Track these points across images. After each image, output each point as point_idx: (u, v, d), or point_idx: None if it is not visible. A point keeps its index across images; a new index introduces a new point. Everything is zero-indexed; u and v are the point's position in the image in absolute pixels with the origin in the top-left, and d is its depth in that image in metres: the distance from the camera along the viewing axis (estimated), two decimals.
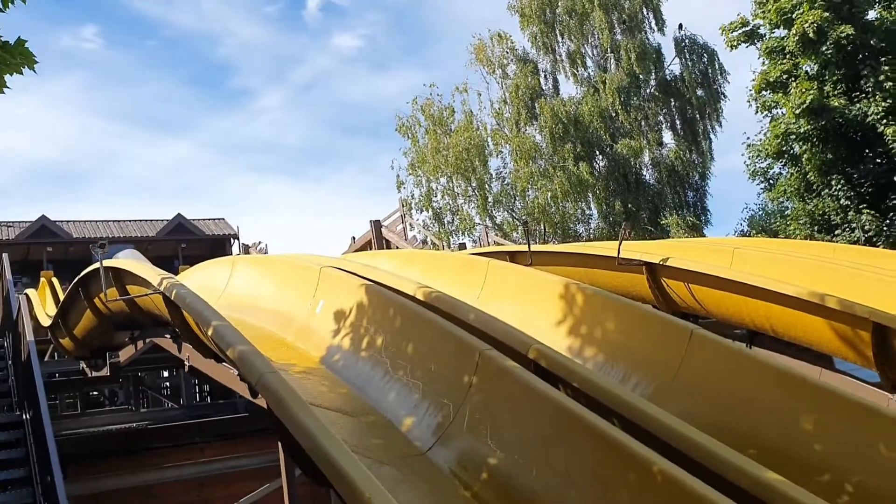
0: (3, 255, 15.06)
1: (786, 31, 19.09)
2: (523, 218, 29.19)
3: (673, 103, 31.05)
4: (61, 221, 29.48)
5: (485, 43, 32.56)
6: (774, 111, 20.00)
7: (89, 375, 12.86)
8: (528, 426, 4.32)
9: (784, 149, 19.29)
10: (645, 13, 31.47)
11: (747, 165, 20.83)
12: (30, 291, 15.92)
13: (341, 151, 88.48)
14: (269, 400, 4.13)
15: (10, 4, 4.33)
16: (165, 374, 19.36)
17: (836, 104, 17.84)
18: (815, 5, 18.01)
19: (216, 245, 30.72)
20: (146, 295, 7.28)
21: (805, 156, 18.58)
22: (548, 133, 29.64)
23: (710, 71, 31.00)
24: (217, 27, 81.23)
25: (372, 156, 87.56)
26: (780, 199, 20.85)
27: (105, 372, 11.90)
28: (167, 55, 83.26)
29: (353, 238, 24.57)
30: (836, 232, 18.18)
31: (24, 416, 9.33)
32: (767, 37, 20.13)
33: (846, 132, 18.15)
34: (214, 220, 32.81)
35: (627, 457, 3.80)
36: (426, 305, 6.00)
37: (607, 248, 9.74)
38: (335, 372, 5.73)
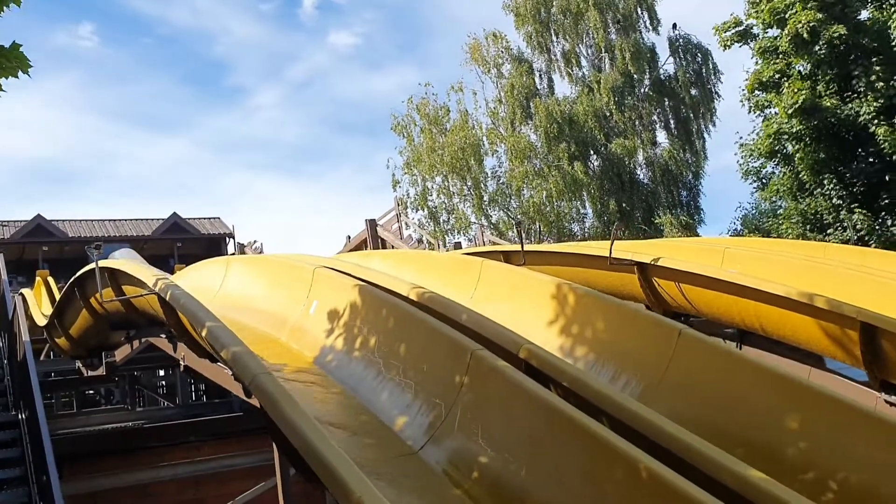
0: None
1: (779, 30, 19.15)
2: (517, 218, 29.30)
3: (667, 103, 31.17)
4: (57, 221, 29.51)
5: (480, 42, 32.65)
6: (767, 111, 20.08)
7: (85, 375, 12.90)
8: (518, 425, 4.39)
9: (777, 148, 19.37)
10: (639, 13, 31.57)
11: (740, 165, 20.94)
12: (25, 291, 15.93)
13: (337, 149, 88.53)
14: (263, 401, 4.19)
15: (4, 8, 4.38)
16: (161, 373, 19.37)
17: (829, 104, 17.91)
18: (809, 5, 18.08)
19: (212, 244, 30.77)
20: (142, 296, 7.33)
21: (797, 155, 18.66)
22: (542, 132, 29.74)
23: (703, 70, 31.13)
24: (213, 25, 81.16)
25: (368, 154, 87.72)
26: (773, 199, 20.96)
27: (101, 371, 11.95)
28: (163, 53, 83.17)
29: (349, 237, 24.61)
30: (829, 231, 18.27)
31: (20, 416, 9.36)
32: (760, 36, 20.20)
33: (838, 132, 18.24)
34: (210, 219, 32.86)
35: (615, 455, 3.87)
36: (419, 306, 6.06)
37: (600, 247, 9.82)
38: (328, 372, 5.79)
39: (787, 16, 18.53)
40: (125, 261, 9.67)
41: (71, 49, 75.98)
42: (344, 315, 6.11)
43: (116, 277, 8.58)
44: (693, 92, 30.71)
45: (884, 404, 6.57)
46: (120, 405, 18.29)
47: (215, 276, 8.62)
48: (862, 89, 17.72)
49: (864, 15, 18.87)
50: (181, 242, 30.24)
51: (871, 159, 18.01)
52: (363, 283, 6.38)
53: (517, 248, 10.65)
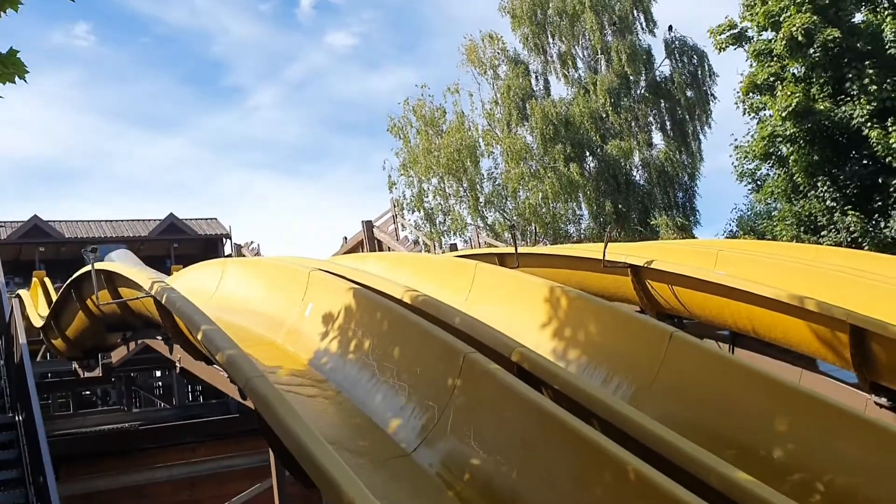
0: None
1: (773, 33, 19.25)
2: (512, 220, 29.37)
3: (663, 104, 31.26)
4: (53, 221, 29.50)
5: (476, 44, 32.72)
6: (762, 113, 20.19)
7: (82, 376, 12.93)
8: (510, 428, 4.43)
9: (771, 150, 19.49)
10: (635, 15, 31.64)
11: (735, 167, 21.04)
12: (22, 292, 15.95)
13: (335, 149, 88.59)
14: (257, 403, 4.24)
15: (1, 14, 4.42)
16: (158, 374, 19.42)
17: (822, 107, 18.02)
18: (803, 9, 18.19)
19: (208, 245, 30.77)
20: (138, 298, 7.37)
21: (792, 157, 18.77)
22: (538, 134, 29.80)
23: (699, 72, 31.23)
24: (211, 25, 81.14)
25: (366, 154, 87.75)
26: (768, 200, 21.06)
27: (97, 372, 11.99)
28: (160, 53, 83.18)
29: (345, 238, 24.68)
30: (822, 233, 18.38)
31: (16, 417, 9.39)
32: (755, 39, 20.31)
33: (832, 134, 18.34)
34: (207, 219, 32.86)
35: (604, 458, 3.93)
36: (413, 309, 6.11)
37: (593, 250, 9.86)
38: (323, 374, 5.83)
39: (781, 19, 18.64)
40: (121, 263, 9.72)
41: (67, 48, 76.01)
42: (339, 318, 6.15)
43: (113, 280, 8.63)
44: (689, 94, 30.80)
45: (873, 406, 6.64)
46: (116, 406, 18.33)
47: (211, 278, 8.66)
48: (855, 92, 17.83)
49: (858, 18, 18.98)
50: (178, 243, 30.23)
51: (864, 162, 18.13)
52: (358, 287, 6.43)
53: (512, 250, 10.71)
